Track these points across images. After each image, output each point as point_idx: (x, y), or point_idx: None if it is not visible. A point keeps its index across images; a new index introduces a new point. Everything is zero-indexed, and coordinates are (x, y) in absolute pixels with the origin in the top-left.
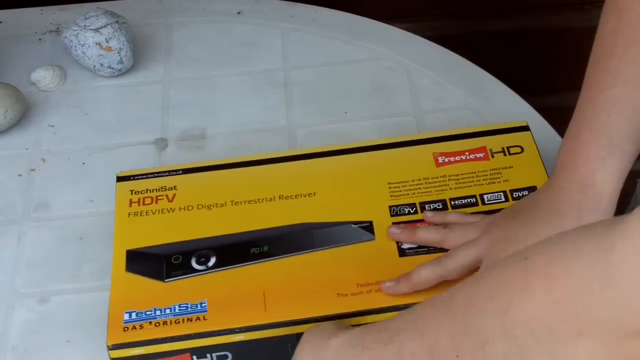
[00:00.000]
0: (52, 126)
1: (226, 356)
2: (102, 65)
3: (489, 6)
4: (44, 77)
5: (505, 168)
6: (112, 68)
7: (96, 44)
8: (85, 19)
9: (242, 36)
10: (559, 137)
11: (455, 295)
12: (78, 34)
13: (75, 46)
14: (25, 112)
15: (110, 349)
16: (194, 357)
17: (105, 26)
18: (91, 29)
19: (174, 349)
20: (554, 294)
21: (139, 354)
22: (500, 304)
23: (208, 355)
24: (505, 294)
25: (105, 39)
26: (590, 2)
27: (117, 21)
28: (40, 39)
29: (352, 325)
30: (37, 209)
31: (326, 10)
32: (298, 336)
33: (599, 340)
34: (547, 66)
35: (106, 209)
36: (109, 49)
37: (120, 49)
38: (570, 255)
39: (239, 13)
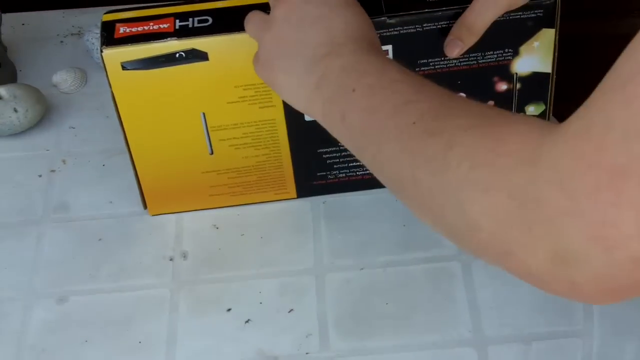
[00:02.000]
0: (73, 128)
1: (207, 20)
2: None
3: None
4: (65, 79)
5: None
6: None
7: None
8: None
9: None
10: None
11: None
12: (99, 37)
13: (97, 49)
14: (46, 114)
15: (104, 14)
16: (177, 20)
17: None
18: None
19: (160, 13)
20: None
21: (129, 17)
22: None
23: (190, 19)
24: None
25: None
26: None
27: None
28: (62, 42)
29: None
30: (57, 210)
31: None
32: None
33: None
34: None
35: (125, 211)
36: None
37: None
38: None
39: None
